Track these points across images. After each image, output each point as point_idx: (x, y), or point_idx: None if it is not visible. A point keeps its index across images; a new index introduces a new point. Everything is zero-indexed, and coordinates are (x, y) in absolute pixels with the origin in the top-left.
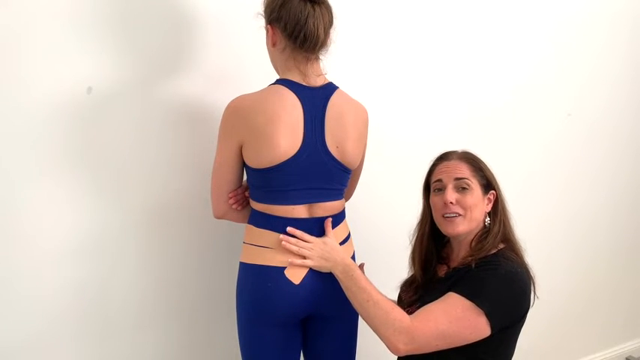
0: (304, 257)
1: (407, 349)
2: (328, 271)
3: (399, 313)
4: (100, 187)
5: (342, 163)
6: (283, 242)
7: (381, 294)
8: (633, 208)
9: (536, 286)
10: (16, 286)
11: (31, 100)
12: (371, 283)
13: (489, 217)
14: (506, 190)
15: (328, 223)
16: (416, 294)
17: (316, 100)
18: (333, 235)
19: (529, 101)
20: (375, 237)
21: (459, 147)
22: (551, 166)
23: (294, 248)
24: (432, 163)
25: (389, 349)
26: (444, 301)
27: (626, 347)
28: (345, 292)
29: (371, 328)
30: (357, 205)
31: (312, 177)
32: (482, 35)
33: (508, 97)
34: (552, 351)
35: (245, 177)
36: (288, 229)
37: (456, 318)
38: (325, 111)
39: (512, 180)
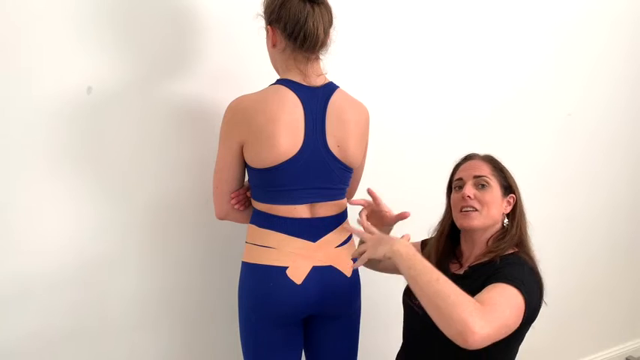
0: (362, 249)
1: (482, 336)
2: (382, 254)
3: (469, 295)
4: (102, 188)
5: (344, 162)
6: (359, 219)
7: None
8: (633, 208)
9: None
10: (16, 286)
11: (31, 99)
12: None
13: (507, 218)
14: None
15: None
16: None
17: (317, 99)
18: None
19: (529, 101)
20: None
21: (458, 147)
22: (551, 166)
23: (363, 233)
24: (455, 164)
25: (459, 337)
26: (495, 289)
27: (626, 347)
28: (407, 274)
29: (437, 314)
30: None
31: (313, 176)
32: (482, 35)
33: (508, 97)
34: (552, 351)
35: (247, 177)
36: (369, 190)
37: (513, 305)
38: (326, 110)
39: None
